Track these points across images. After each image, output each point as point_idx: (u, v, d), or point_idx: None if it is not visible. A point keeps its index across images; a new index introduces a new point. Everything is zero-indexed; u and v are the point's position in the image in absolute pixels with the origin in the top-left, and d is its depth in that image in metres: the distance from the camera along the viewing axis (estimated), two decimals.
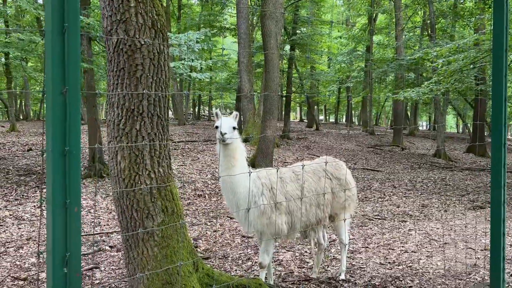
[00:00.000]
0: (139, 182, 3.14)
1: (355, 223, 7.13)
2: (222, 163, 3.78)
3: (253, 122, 15.43)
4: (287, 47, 20.99)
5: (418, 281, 4.39)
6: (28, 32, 11.27)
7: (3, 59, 26.59)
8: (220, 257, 5.43)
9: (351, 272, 4.73)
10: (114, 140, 3.18)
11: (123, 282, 4.50)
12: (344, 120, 45.30)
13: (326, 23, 24.19)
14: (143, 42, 3.09)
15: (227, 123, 3.72)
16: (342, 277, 4.45)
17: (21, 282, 4.59)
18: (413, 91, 12.21)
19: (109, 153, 3.31)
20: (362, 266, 4.94)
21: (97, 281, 4.58)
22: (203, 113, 42.70)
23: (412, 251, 5.55)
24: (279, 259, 5.28)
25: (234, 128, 3.76)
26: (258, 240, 4.27)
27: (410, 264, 5.01)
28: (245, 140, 15.62)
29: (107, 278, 4.67)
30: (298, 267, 4.99)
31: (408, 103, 26.50)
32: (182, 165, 11.42)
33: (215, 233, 6.55)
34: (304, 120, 39.48)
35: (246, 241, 6.11)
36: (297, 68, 23.08)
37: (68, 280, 1.46)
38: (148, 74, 3.15)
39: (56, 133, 1.44)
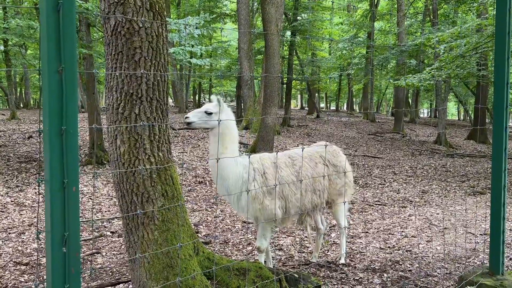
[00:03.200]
0: (139, 166, 3.13)
1: (355, 209, 7.15)
2: (211, 148, 3.79)
3: (254, 110, 15.38)
4: (288, 33, 20.80)
5: (417, 265, 4.42)
6: (27, 18, 11.15)
7: (1, 47, 26.43)
8: (221, 242, 5.46)
9: (351, 256, 4.76)
10: (113, 124, 3.17)
11: (125, 267, 4.54)
12: (345, 107, 45.15)
13: (327, 9, 23.94)
14: (141, 25, 3.06)
15: (201, 108, 3.78)
16: (342, 261, 4.47)
17: (23, 267, 4.63)
18: (414, 77, 12.12)
19: (108, 138, 3.30)
20: (362, 251, 4.96)
21: (99, 266, 4.61)
22: (204, 101, 42.57)
23: (412, 236, 5.57)
24: (279, 244, 5.30)
25: (208, 113, 3.71)
26: (255, 225, 4.29)
27: (410, 249, 5.03)
28: (245, 128, 15.59)
29: (108, 263, 4.70)
30: (298, 252, 5.02)
31: (409, 90, 26.37)
32: (182, 152, 11.43)
33: (215, 219, 6.58)
34: (305, 108, 39.35)
35: (246, 226, 6.13)
36: (297, 54, 22.91)
37: (68, 259, 1.46)
38: (146, 57, 3.11)
39: (52, 112, 1.43)
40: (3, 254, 4.98)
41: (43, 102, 1.47)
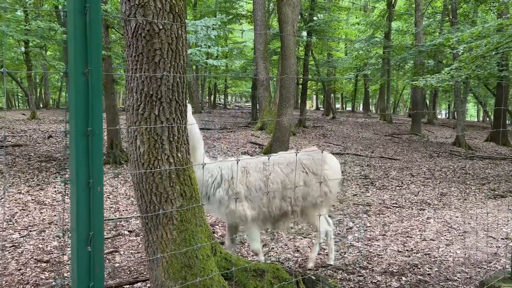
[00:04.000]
0: (158, 167, 3.17)
1: (373, 211, 7.09)
2: None
3: (269, 110, 15.38)
4: (304, 34, 20.75)
5: (437, 269, 4.35)
6: (47, 20, 11.38)
7: (22, 48, 27.01)
8: (237, 242, 5.46)
9: (369, 259, 4.71)
10: (133, 125, 3.20)
11: (142, 266, 4.59)
12: (361, 108, 44.79)
13: (343, 9, 23.78)
14: (161, 27, 3.09)
15: None
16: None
17: (43, 264, 4.72)
18: (432, 77, 11.94)
19: (128, 138, 3.34)
20: (379, 253, 4.91)
21: (117, 264, 4.67)
22: (219, 102, 42.79)
23: (430, 239, 5.49)
24: (296, 246, 5.29)
25: None
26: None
27: (429, 252, 4.96)
28: (261, 128, 15.61)
29: (126, 262, 4.76)
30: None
31: (427, 91, 26.00)
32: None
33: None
34: (321, 109, 39.17)
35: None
36: (313, 55, 22.82)
37: (92, 258, 1.49)
38: (166, 59, 3.14)
39: (79, 114, 1.45)
40: (24, 252, 5.08)
41: (69, 104, 1.49)
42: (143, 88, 3.17)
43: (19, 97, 43.00)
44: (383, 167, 11.72)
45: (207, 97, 36.82)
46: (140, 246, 5.30)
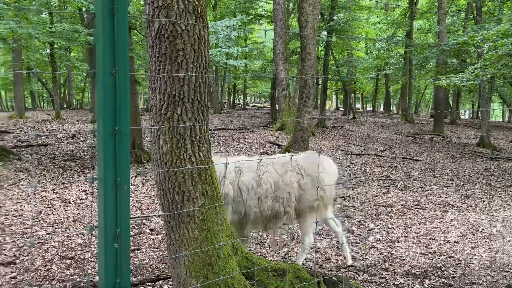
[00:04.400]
0: (181, 166, 3.20)
1: (394, 212, 6.99)
2: None
3: (288, 110, 15.34)
4: (324, 33, 20.62)
5: (461, 272, 4.26)
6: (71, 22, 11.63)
7: (47, 50, 27.68)
8: (257, 242, 5.48)
9: (390, 260, 4.65)
10: (157, 124, 3.25)
11: (164, 264, 4.65)
12: (382, 108, 44.20)
13: (364, 8, 23.52)
14: (184, 27, 3.12)
15: None
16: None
17: (68, 261, 4.83)
18: (456, 77, 11.69)
19: (151, 138, 3.39)
20: (401, 255, 4.84)
21: (139, 262, 4.75)
22: (238, 102, 42.94)
23: (454, 242, 5.38)
24: (316, 246, 5.26)
25: None
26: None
27: (453, 255, 4.86)
28: (280, 128, 15.59)
29: (148, 260, 4.83)
30: (335, 254, 4.96)
31: (449, 91, 25.46)
32: (218, 152, 11.56)
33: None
34: (340, 109, 38.85)
35: (282, 228, 6.12)
36: (333, 54, 22.65)
37: (119, 255, 1.51)
38: (189, 60, 3.17)
39: (106, 113, 1.48)
40: (49, 248, 5.21)
41: (97, 104, 1.52)
42: (166, 89, 3.21)
43: (44, 97, 44.16)
44: (404, 168, 11.54)
45: (226, 98, 37.00)
46: (161, 244, 5.37)
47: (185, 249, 3.17)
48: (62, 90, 34.63)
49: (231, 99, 37.17)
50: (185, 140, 3.24)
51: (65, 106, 31.47)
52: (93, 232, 5.82)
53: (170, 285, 4.00)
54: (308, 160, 4.17)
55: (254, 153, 11.66)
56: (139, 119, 9.90)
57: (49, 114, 21.42)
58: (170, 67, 3.18)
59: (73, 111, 25.45)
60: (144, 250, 5.18)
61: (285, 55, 15.34)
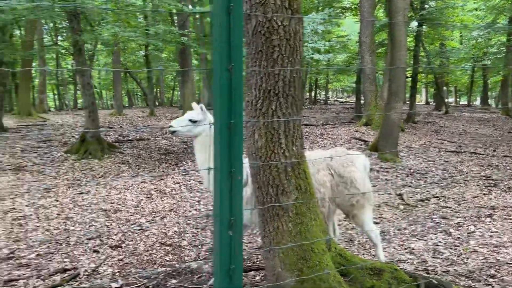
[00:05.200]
0: (275, 160, 3.26)
1: (498, 215, 6.39)
2: (197, 157, 3.77)
3: (375, 105, 14.78)
4: (413, 24, 19.49)
5: None
6: (164, 25, 12.38)
7: (142, 52, 29.76)
8: (346, 240, 5.38)
9: (497, 267, 4.27)
10: (252, 119, 3.34)
11: (254, 256, 4.77)
12: (478, 102, 40.58)
13: None
14: (280, 23, 3.16)
15: (185, 115, 3.72)
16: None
17: (167, 248, 5.18)
18: None
19: (247, 133, 3.49)
20: (509, 262, 4.41)
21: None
22: (319, 97, 42.40)
23: None
24: (409, 247, 5.02)
25: (192, 121, 3.67)
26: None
27: None
28: (366, 124, 15.09)
29: None
30: (432, 257, 4.69)
31: None
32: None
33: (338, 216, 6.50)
34: (430, 103, 36.47)
35: None
36: (424, 45, 21.29)
37: (233, 242, 1.58)
38: (284, 55, 3.20)
39: (223, 107, 1.55)
40: (150, 235, 5.64)
41: (214, 98, 1.60)
42: (261, 84, 3.28)
43: (138, 96, 47.79)
44: (508, 167, 10.48)
45: (308, 93, 36.74)
46: (250, 236, 5.52)
47: (278, 242, 3.22)
48: (155, 89, 37.13)
49: (313, 94, 36.83)
50: (279, 134, 3.29)
51: (156, 104, 33.72)
52: (187, 221, 6.18)
53: (262, 276, 4.10)
54: (336, 160, 4.00)
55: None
56: None
57: (143, 111, 23.13)
58: (266, 63, 3.24)
59: (165, 109, 27.20)
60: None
61: (372, 47, 14.79)
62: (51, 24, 29.33)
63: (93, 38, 10.94)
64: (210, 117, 3.73)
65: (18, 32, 23.20)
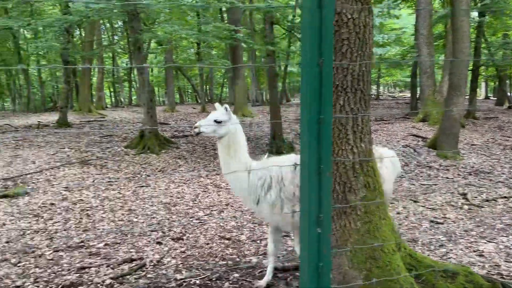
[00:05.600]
0: (342, 157, 3.19)
1: None
2: (220, 158, 3.64)
3: (433, 100, 14.15)
4: (474, 14, 18.40)
5: None
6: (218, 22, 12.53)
7: (192, 50, 30.36)
8: (408, 240, 5.19)
9: None
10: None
11: None
12: None
13: None
14: (349, 16, 3.08)
15: (210, 116, 3.59)
16: None
17: (226, 241, 5.26)
18: None
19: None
20: None
21: (290, 248, 4.92)
22: (371, 92, 41.22)
23: None
24: (478, 250, 4.76)
25: (217, 121, 3.54)
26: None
27: None
28: (422, 120, 14.49)
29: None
30: (504, 261, 4.41)
31: None
32: None
33: (398, 215, 6.30)
34: (490, 98, 34.37)
35: (435, 226, 5.70)
36: (485, 37, 20.04)
37: (321, 240, 1.55)
38: (353, 48, 3.13)
39: (312, 102, 1.53)
40: (209, 228, 5.75)
41: (302, 93, 1.57)
42: None
43: (188, 93, 48.98)
44: None
45: None
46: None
47: (346, 240, 3.15)
48: (205, 86, 37.83)
49: None
50: (347, 130, 3.21)
51: (206, 100, 34.35)
52: (244, 216, 6.23)
53: None
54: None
55: (395, 146, 11.07)
56: (279, 111, 10.24)
57: (194, 108, 23.67)
58: (334, 57, 3.17)
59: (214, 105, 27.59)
60: (292, 237, 5.35)
61: (429, 40, 14.14)
62: (108, 25, 30.73)
63: (153, 37, 11.31)
64: (234, 118, 3.66)
65: (78, 33, 24.54)
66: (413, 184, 8.16)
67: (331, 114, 1.54)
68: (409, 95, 23.61)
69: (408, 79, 33.73)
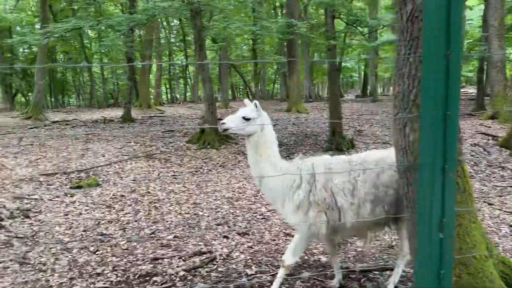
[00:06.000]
0: None
1: None
2: (249, 157, 3.42)
3: (504, 96, 13.24)
4: None
5: None
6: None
7: (244, 47, 30.61)
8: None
9: None
10: (403, 111, 3.13)
11: (385, 254, 4.57)
12: None
13: None
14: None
15: (238, 112, 3.36)
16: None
17: (291, 238, 5.21)
18: None
19: (394, 125, 3.30)
20: None
21: (359, 249, 4.77)
22: None
23: None
24: None
25: (245, 118, 3.28)
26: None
27: None
28: (492, 117, 13.63)
29: (369, 249, 4.81)
30: None
31: None
32: None
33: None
34: None
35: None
36: None
37: (443, 245, 1.45)
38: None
39: (437, 97, 1.42)
40: (273, 225, 5.74)
41: (424, 87, 1.48)
42: (415, 74, 3.05)
43: (240, 89, 49.56)
44: None
45: None
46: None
47: None
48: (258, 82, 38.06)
49: None
50: None
51: (257, 97, 34.53)
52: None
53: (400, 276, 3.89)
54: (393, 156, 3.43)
55: (462, 144, 10.46)
56: (339, 107, 10.03)
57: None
58: (421, 50, 3.01)
59: (266, 101, 27.70)
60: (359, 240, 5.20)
61: (501, 32, 13.22)
62: (165, 23, 31.73)
63: (217, 34, 11.50)
64: (264, 115, 3.43)
65: (137, 31, 25.55)
66: (485, 185, 7.67)
67: (458, 110, 1.43)
68: (470, 90, 22.33)
69: (470, 74, 31.88)
